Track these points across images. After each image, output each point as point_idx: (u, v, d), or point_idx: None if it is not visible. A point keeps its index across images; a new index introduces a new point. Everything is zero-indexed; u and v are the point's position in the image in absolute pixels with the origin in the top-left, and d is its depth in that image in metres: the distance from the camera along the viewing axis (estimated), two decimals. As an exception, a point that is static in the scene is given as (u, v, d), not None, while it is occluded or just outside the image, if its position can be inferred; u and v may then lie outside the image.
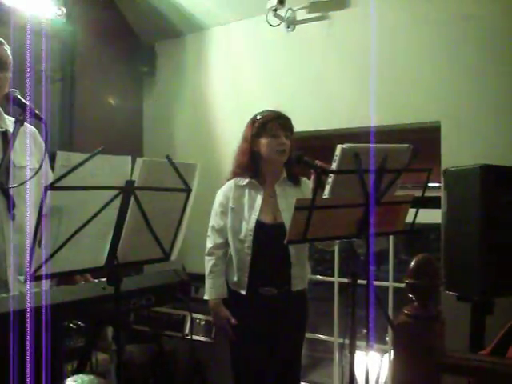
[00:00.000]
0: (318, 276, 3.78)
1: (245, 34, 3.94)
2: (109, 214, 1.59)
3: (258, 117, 2.64)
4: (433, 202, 2.86)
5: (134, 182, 1.59)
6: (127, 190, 1.58)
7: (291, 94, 3.66)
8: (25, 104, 1.99)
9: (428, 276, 1.45)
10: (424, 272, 1.45)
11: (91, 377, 0.89)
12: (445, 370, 1.51)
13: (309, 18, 3.65)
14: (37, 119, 2.04)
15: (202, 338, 3.29)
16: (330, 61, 3.57)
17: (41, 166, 1.96)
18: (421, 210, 2.23)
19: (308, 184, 2.62)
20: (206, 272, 2.64)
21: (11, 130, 2.12)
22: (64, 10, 3.66)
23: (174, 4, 4.05)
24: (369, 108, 3.17)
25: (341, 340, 3.69)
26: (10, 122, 2.17)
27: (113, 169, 1.56)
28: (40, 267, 1.45)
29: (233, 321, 2.57)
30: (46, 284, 2.13)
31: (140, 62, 4.32)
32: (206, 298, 2.64)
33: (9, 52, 2.18)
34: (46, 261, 1.44)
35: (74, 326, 1.66)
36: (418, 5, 3.23)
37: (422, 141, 3.25)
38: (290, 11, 3.67)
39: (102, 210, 1.53)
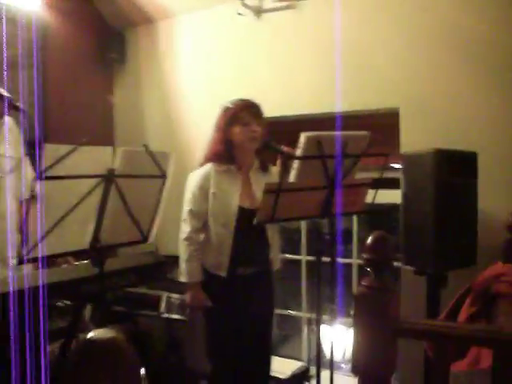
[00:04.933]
0: (287, 255, 3.95)
1: (213, 21, 4.04)
2: (91, 201, 1.72)
3: (230, 106, 2.71)
4: (394, 183, 3.04)
5: (114, 170, 1.73)
6: (108, 178, 1.72)
7: (260, 81, 3.79)
8: (5, 97, 2.09)
9: (382, 251, 1.62)
10: (379, 247, 1.62)
11: (107, 329, 1.01)
12: (400, 335, 1.69)
13: (276, 7, 3.77)
14: (16, 111, 2.14)
15: (176, 316, 3.44)
16: (296, 49, 3.70)
17: (24, 156, 2.07)
18: (383, 191, 2.40)
19: (275, 171, 2.76)
20: (185, 256, 2.68)
21: None
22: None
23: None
24: (334, 95, 3.33)
25: (308, 315, 3.91)
26: None
27: (95, 158, 1.69)
28: (30, 250, 1.57)
29: (209, 304, 2.68)
30: (28, 268, 2.25)
31: (110, 49, 4.35)
32: (183, 280, 2.69)
33: None
34: (35, 245, 1.57)
35: (62, 305, 1.79)
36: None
37: (384, 125, 3.44)
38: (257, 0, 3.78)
39: (85, 196, 1.66)
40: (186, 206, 2.72)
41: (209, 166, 2.72)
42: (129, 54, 4.44)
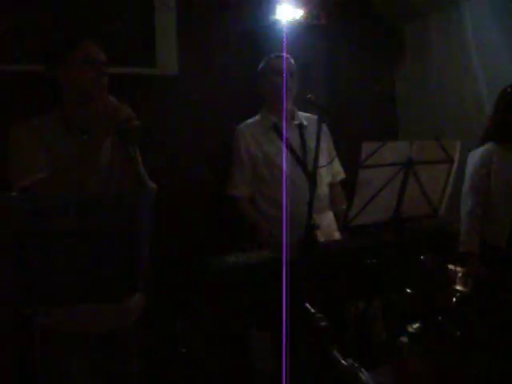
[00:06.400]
0: None
1: (490, 8, 4.09)
2: (394, 183, 2.21)
3: (509, 89, 2.92)
4: None
5: (411, 158, 2.18)
6: (407, 165, 2.18)
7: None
8: (318, 105, 2.69)
9: None
10: None
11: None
12: None
13: None
14: (325, 115, 2.73)
15: (459, 288, 3.68)
16: None
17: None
18: None
19: None
20: (465, 228, 2.96)
21: (304, 122, 2.92)
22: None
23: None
24: None
25: None
26: (303, 116, 2.98)
27: (396, 150, 2.17)
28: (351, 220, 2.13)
29: (484, 274, 2.86)
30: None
31: (387, 45, 4.69)
32: (462, 250, 2.96)
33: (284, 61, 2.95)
34: (356, 216, 2.12)
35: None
36: None
37: None
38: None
39: (391, 179, 2.15)
40: (468, 182, 2.98)
41: (489, 145, 2.95)
42: (407, 48, 4.73)
